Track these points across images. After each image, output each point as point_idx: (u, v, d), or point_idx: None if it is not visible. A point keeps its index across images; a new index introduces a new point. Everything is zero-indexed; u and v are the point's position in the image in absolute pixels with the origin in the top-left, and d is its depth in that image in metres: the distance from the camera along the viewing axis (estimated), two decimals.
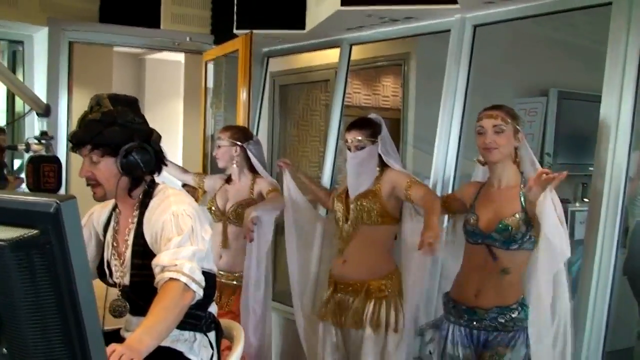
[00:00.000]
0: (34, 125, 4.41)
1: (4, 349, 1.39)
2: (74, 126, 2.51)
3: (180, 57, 7.74)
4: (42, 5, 4.65)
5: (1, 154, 3.85)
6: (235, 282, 3.90)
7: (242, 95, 4.41)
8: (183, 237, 2.23)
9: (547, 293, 2.62)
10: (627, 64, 3.09)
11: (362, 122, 3.53)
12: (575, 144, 5.29)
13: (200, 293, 2.20)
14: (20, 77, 4.71)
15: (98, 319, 1.31)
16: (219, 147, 3.94)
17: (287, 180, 3.96)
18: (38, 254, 1.24)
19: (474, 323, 2.85)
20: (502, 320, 2.79)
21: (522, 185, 2.80)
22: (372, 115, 3.56)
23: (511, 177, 2.86)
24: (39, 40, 4.74)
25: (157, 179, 2.53)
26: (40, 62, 4.72)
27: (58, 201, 1.21)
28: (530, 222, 2.72)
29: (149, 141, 2.44)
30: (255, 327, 3.91)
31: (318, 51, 5.15)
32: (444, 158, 3.86)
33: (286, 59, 5.67)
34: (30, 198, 1.25)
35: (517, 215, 2.75)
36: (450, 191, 3.78)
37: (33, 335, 1.32)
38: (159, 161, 2.48)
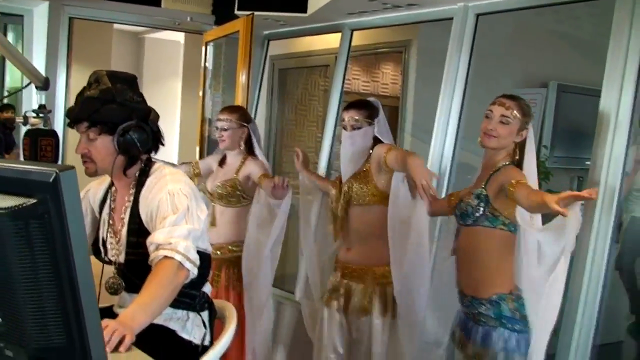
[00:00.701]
0: (31, 99, 4.40)
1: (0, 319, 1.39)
2: (71, 102, 2.50)
3: (179, 37, 7.70)
4: None
5: (10, 130, 3.82)
6: (231, 254, 3.91)
7: (242, 78, 4.39)
8: (178, 215, 2.23)
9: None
10: (628, 58, 3.07)
11: (360, 103, 3.53)
12: (573, 137, 5.30)
13: (194, 272, 2.19)
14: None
15: (94, 291, 1.30)
16: (225, 129, 3.89)
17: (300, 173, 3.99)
18: (36, 224, 1.24)
19: (462, 307, 2.89)
20: (473, 312, 2.80)
21: (496, 169, 2.77)
22: (371, 99, 3.56)
23: (495, 161, 2.83)
24: (38, 15, 4.69)
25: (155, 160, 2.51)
26: (39, 37, 4.68)
27: (57, 171, 1.20)
28: (487, 198, 2.72)
29: (147, 120, 2.42)
30: (259, 312, 3.95)
31: (319, 36, 5.15)
32: (442, 147, 3.84)
33: (286, 42, 5.65)
34: (30, 167, 1.25)
35: (475, 191, 2.77)
36: (446, 182, 3.79)
37: (29, 306, 1.32)
38: (156, 141, 2.47)
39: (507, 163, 2.80)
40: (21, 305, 1.33)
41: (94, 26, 7.09)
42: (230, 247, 3.92)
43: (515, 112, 2.76)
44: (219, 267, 3.89)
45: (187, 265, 2.16)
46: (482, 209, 2.74)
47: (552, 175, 5.03)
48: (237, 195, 3.88)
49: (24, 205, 1.25)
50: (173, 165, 2.63)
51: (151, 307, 2.07)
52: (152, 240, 2.20)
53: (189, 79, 7.62)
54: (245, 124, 3.95)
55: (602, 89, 3.14)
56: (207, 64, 5.25)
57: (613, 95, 3.09)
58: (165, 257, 2.14)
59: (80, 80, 2.59)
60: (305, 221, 3.99)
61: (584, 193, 2.27)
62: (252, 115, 5.17)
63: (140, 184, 2.41)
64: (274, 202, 3.80)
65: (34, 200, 1.23)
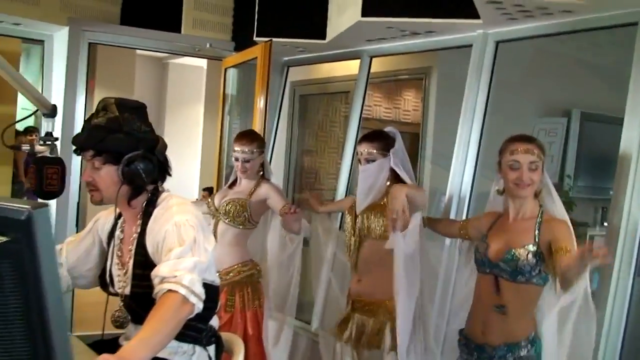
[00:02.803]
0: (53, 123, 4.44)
1: None
2: None
3: (202, 62, 7.74)
4: (63, 5, 4.64)
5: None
6: (241, 275, 3.85)
7: (259, 104, 4.37)
8: (184, 248, 2.18)
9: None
10: None
11: (374, 135, 3.47)
12: (596, 166, 5.20)
13: (199, 306, 2.14)
14: (39, 77, 4.69)
15: (66, 331, 1.25)
16: (247, 160, 3.84)
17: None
18: (7, 262, 1.19)
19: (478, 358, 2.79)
20: (511, 358, 2.70)
21: (538, 217, 2.73)
22: (388, 129, 3.49)
23: (529, 209, 2.78)
24: (58, 40, 4.73)
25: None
26: (59, 62, 4.72)
27: (31, 209, 1.16)
28: (542, 256, 2.66)
29: (154, 150, 2.39)
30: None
31: (339, 62, 5.13)
32: (461, 175, 3.79)
33: (307, 68, 5.64)
34: (3, 204, 1.21)
35: (527, 247, 2.67)
36: (465, 209, 3.73)
37: None
38: (163, 171, 2.43)
39: (542, 210, 2.76)
40: None
41: (118, 52, 7.14)
42: (239, 269, 3.86)
43: (539, 152, 2.73)
44: (232, 291, 3.83)
45: (192, 299, 2.10)
46: (538, 267, 2.68)
47: (575, 205, 4.93)
48: (245, 216, 3.83)
49: None
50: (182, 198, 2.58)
51: (152, 342, 2.02)
52: (157, 273, 2.15)
53: (210, 104, 7.63)
54: (264, 151, 3.93)
55: (625, 117, 3.08)
56: (226, 90, 5.23)
57: (635, 125, 3.03)
58: (170, 290, 2.08)
59: None
60: (320, 250, 3.95)
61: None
62: (272, 142, 5.17)
63: (147, 214, 2.37)
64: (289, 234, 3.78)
65: (7, 239, 1.19)
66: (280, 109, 5.34)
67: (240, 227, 3.85)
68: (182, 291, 2.08)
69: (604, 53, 4.51)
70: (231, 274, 3.85)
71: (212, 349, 2.45)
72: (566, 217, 2.76)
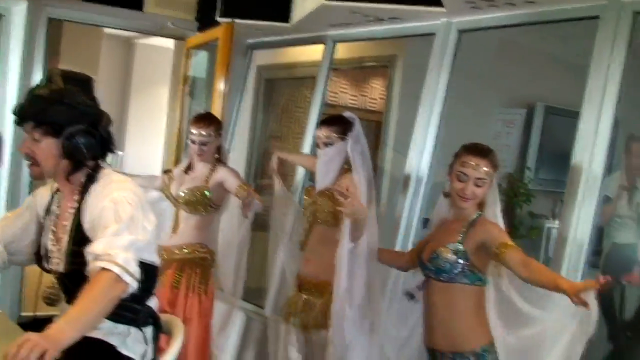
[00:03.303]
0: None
1: None
2: None
3: (170, 43, 7.62)
4: None
5: None
6: (195, 254, 3.82)
7: (220, 86, 4.29)
8: (121, 225, 2.12)
9: None
10: (608, 80, 3.00)
11: (332, 119, 3.45)
12: (558, 160, 5.19)
13: (134, 285, 2.08)
14: None
15: None
16: (205, 143, 3.80)
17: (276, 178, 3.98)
18: None
19: None
20: None
21: (471, 220, 2.73)
22: (346, 114, 3.46)
23: (466, 213, 2.76)
24: (17, 15, 4.60)
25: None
26: (16, 38, 4.58)
27: None
28: (466, 254, 2.65)
29: (97, 125, 2.32)
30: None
31: (306, 47, 5.07)
32: (418, 162, 3.77)
33: (274, 53, 5.56)
34: None
35: (449, 246, 2.68)
36: (420, 197, 3.71)
37: None
38: (105, 147, 2.36)
39: (477, 215, 2.75)
40: None
41: (84, 31, 7.00)
42: (195, 248, 3.82)
43: (488, 169, 2.70)
44: (181, 267, 3.79)
45: (126, 278, 2.04)
46: (460, 265, 2.66)
47: (533, 197, 4.95)
48: (205, 203, 3.79)
49: None
50: (124, 173, 2.50)
51: (82, 321, 1.96)
52: (91, 250, 2.09)
53: (176, 86, 7.54)
54: (221, 134, 3.90)
55: (582, 111, 3.08)
56: (188, 71, 5.14)
57: (592, 117, 3.03)
58: (103, 268, 2.03)
59: None
60: (277, 233, 3.91)
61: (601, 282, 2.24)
62: (233, 125, 5.11)
63: (85, 190, 2.30)
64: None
65: None
66: (244, 92, 5.26)
67: (203, 213, 3.81)
68: (116, 270, 2.03)
69: (568, 46, 4.48)
70: (185, 250, 3.81)
71: (148, 330, 2.40)
72: (501, 224, 2.77)
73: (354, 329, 3.13)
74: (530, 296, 2.67)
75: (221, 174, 3.81)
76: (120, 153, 7.52)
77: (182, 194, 3.80)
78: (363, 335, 3.16)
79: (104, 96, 8.20)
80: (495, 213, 2.78)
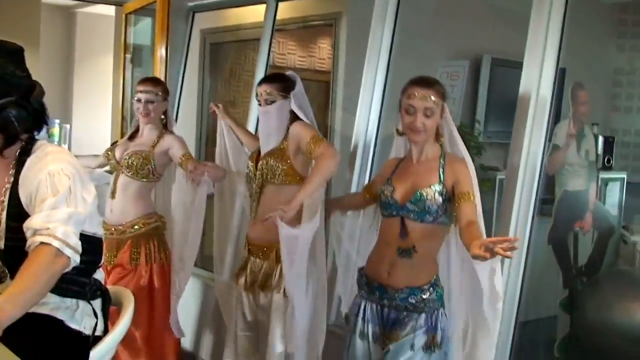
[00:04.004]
0: None
1: None
2: None
3: (111, 11, 7.45)
4: None
5: None
6: (146, 227, 3.78)
7: (160, 52, 4.20)
8: (58, 198, 2.06)
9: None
10: (550, 28, 2.99)
11: (274, 77, 3.42)
12: (506, 111, 5.20)
13: (76, 259, 2.03)
14: None
15: None
16: (152, 101, 3.74)
17: (221, 124, 3.89)
18: None
19: (385, 301, 2.75)
20: (413, 301, 2.67)
21: (441, 159, 2.71)
22: (288, 73, 3.42)
23: (431, 151, 2.75)
24: None
25: None
26: None
27: None
28: (447, 195, 2.64)
29: (29, 97, 2.23)
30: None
31: (250, 8, 4.98)
32: (366, 120, 3.74)
33: (219, 16, 5.46)
34: None
35: (433, 186, 2.65)
36: (371, 153, 3.70)
37: None
38: (38, 120, 2.28)
39: (443, 152, 2.74)
40: None
41: (21, 1, 6.81)
42: (144, 221, 3.77)
43: (435, 99, 2.68)
44: (137, 243, 3.75)
45: (67, 251, 2.00)
46: (445, 206, 2.66)
47: (484, 150, 4.97)
48: (148, 169, 3.73)
49: None
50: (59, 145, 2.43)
51: (23, 298, 1.91)
52: (29, 225, 2.03)
53: (119, 55, 7.38)
54: (167, 99, 3.85)
55: (524, 61, 3.06)
56: (128, 38, 5.02)
57: (534, 69, 3.01)
58: (42, 243, 1.98)
59: None
60: (228, 206, 3.88)
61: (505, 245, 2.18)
62: (178, 91, 5.02)
63: (20, 164, 2.22)
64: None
65: None
66: (187, 57, 5.16)
67: (144, 180, 3.75)
68: (56, 243, 1.98)
69: None
70: (136, 227, 3.76)
71: (97, 303, 2.36)
72: (468, 159, 2.74)
73: (297, 289, 3.16)
74: None
75: (168, 141, 3.76)
76: (67, 126, 7.35)
77: (126, 158, 3.73)
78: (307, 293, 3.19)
79: (47, 68, 8.12)
80: (456, 142, 2.76)
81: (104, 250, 3.65)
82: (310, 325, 3.27)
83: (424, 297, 2.67)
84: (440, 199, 2.64)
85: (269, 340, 3.27)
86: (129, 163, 3.71)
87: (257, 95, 3.37)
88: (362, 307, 2.82)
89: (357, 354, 2.81)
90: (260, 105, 3.35)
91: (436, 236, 2.72)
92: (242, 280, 3.41)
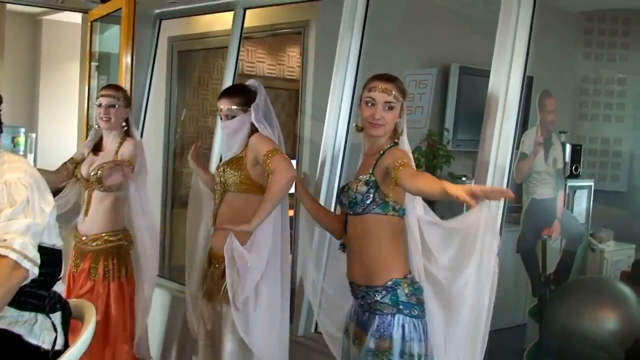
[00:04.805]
0: None
1: None
2: None
3: (78, 18, 7.37)
4: None
5: None
6: (107, 244, 3.73)
7: (126, 59, 4.13)
8: (16, 209, 2.00)
9: None
10: (517, 36, 2.99)
11: (233, 90, 3.38)
12: (475, 119, 5.22)
13: (34, 271, 1.98)
14: None
15: None
16: (113, 106, 3.69)
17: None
18: None
19: (360, 300, 2.73)
20: (368, 301, 2.66)
21: (382, 151, 2.69)
22: (250, 82, 3.37)
23: (378, 145, 2.74)
24: None
25: None
26: None
27: None
28: (375, 183, 2.63)
29: None
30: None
31: (219, 16, 4.94)
32: (335, 127, 3.73)
33: (186, 24, 5.40)
34: None
35: (359, 177, 2.67)
36: (340, 161, 3.70)
37: None
38: None
39: (391, 145, 2.72)
40: None
41: None
42: (107, 237, 3.72)
43: (397, 94, 2.68)
44: (96, 259, 3.70)
45: (25, 264, 1.94)
46: (372, 195, 2.64)
47: (453, 158, 4.97)
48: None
49: None
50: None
51: None
52: None
53: (85, 63, 7.30)
54: (129, 106, 3.81)
55: (491, 68, 3.06)
56: (94, 46, 4.95)
57: (502, 75, 3.01)
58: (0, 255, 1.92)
59: None
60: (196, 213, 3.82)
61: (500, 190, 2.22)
62: (145, 100, 4.97)
63: None
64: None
65: None
66: (153, 65, 5.10)
67: (118, 191, 3.70)
68: (13, 256, 1.92)
69: (477, 4, 4.52)
70: (98, 242, 3.72)
71: (57, 316, 2.30)
72: (408, 149, 2.74)
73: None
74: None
75: (127, 147, 3.73)
76: (32, 135, 7.24)
77: (93, 173, 3.66)
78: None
79: (12, 76, 8.01)
80: (404, 143, 2.75)
81: (72, 256, 3.66)
82: (264, 338, 3.19)
83: (377, 299, 2.63)
84: (364, 188, 2.64)
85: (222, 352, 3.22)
86: (98, 178, 3.65)
87: (218, 110, 3.31)
88: (353, 306, 2.82)
89: (344, 353, 2.84)
90: (221, 120, 3.31)
91: (375, 229, 2.66)
92: (204, 291, 3.36)
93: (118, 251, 3.75)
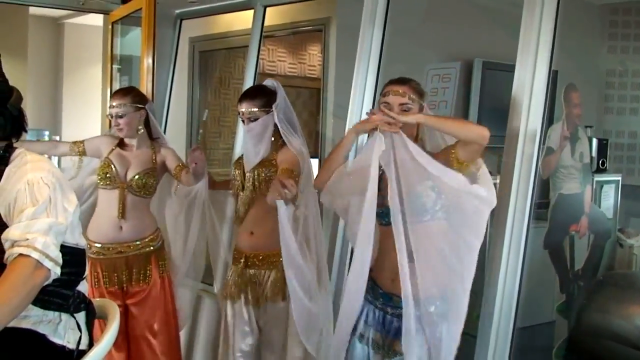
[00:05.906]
0: None
1: None
2: None
3: (99, 21, 7.42)
4: None
5: None
6: (144, 249, 3.69)
7: (146, 61, 4.12)
8: (38, 208, 1.99)
9: None
10: (541, 30, 2.94)
11: (254, 92, 3.35)
12: (499, 115, 5.17)
13: (56, 271, 1.96)
14: None
15: None
16: (121, 115, 3.61)
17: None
18: None
19: (389, 309, 2.68)
20: (419, 313, 2.57)
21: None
22: (268, 82, 3.36)
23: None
24: None
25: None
26: None
27: None
28: (439, 190, 2.58)
29: (6, 103, 2.17)
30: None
31: (239, 15, 4.93)
32: None
33: (206, 24, 5.41)
34: None
35: (426, 182, 2.59)
36: None
37: None
38: (16, 127, 2.21)
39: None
40: None
41: (8, 12, 6.77)
42: (150, 239, 3.72)
43: (412, 95, 2.66)
44: (129, 263, 3.67)
45: (47, 263, 1.93)
46: (440, 201, 2.60)
47: None
48: (154, 185, 3.70)
49: None
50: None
51: (1, 312, 1.84)
52: (7, 236, 1.95)
53: (107, 65, 7.34)
54: (141, 106, 3.69)
55: (517, 63, 3.02)
56: (115, 47, 4.96)
57: (527, 69, 2.96)
58: (21, 255, 1.91)
59: None
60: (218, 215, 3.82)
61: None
62: (167, 101, 4.95)
63: None
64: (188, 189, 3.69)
65: None
66: (175, 66, 5.10)
67: (150, 196, 3.70)
68: (35, 255, 1.90)
69: None
70: (137, 243, 3.69)
71: (81, 316, 2.28)
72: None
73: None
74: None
75: (163, 154, 3.71)
76: (56, 137, 7.29)
77: (137, 178, 3.63)
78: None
79: (36, 79, 8.08)
80: (436, 136, 2.75)
81: (99, 271, 3.61)
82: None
83: (430, 310, 2.57)
84: (433, 194, 2.58)
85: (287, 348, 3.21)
86: (142, 184, 3.62)
87: (239, 113, 3.29)
88: (365, 310, 2.75)
89: (356, 357, 2.76)
90: (244, 123, 3.29)
91: (441, 236, 2.61)
92: (241, 296, 3.33)
93: (158, 250, 3.74)
